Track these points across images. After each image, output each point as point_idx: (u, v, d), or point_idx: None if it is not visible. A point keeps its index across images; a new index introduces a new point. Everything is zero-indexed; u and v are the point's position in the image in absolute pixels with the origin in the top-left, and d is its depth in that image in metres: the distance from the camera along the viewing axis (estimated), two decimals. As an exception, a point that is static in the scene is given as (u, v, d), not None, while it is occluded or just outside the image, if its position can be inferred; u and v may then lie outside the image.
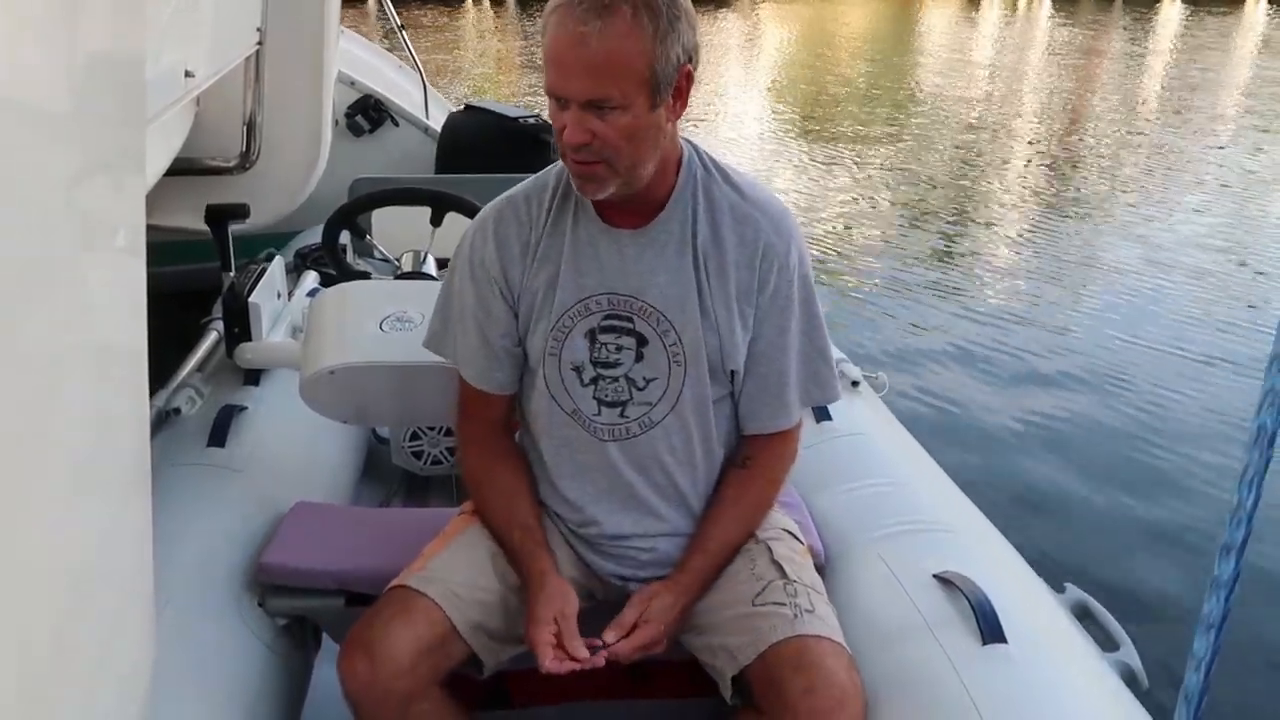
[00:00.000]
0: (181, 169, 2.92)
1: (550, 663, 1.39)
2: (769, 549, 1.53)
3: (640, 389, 1.50)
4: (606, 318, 1.48)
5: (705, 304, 1.47)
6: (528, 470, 1.59)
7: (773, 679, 1.37)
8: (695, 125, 9.86)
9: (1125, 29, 19.54)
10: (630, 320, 1.48)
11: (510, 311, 1.52)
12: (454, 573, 1.48)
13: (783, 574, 1.48)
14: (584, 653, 1.40)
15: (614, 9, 1.28)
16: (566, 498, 1.56)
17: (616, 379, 1.50)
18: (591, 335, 1.49)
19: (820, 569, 1.62)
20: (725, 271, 1.47)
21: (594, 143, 1.35)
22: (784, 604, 1.43)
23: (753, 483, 1.57)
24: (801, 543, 1.61)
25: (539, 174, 1.55)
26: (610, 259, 1.47)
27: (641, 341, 1.48)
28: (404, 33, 4.71)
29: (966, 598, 1.46)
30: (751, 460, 1.58)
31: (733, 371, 1.52)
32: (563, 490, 1.56)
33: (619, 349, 1.49)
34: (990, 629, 1.41)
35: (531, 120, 4.14)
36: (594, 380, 1.50)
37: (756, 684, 1.41)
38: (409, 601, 1.43)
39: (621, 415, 1.51)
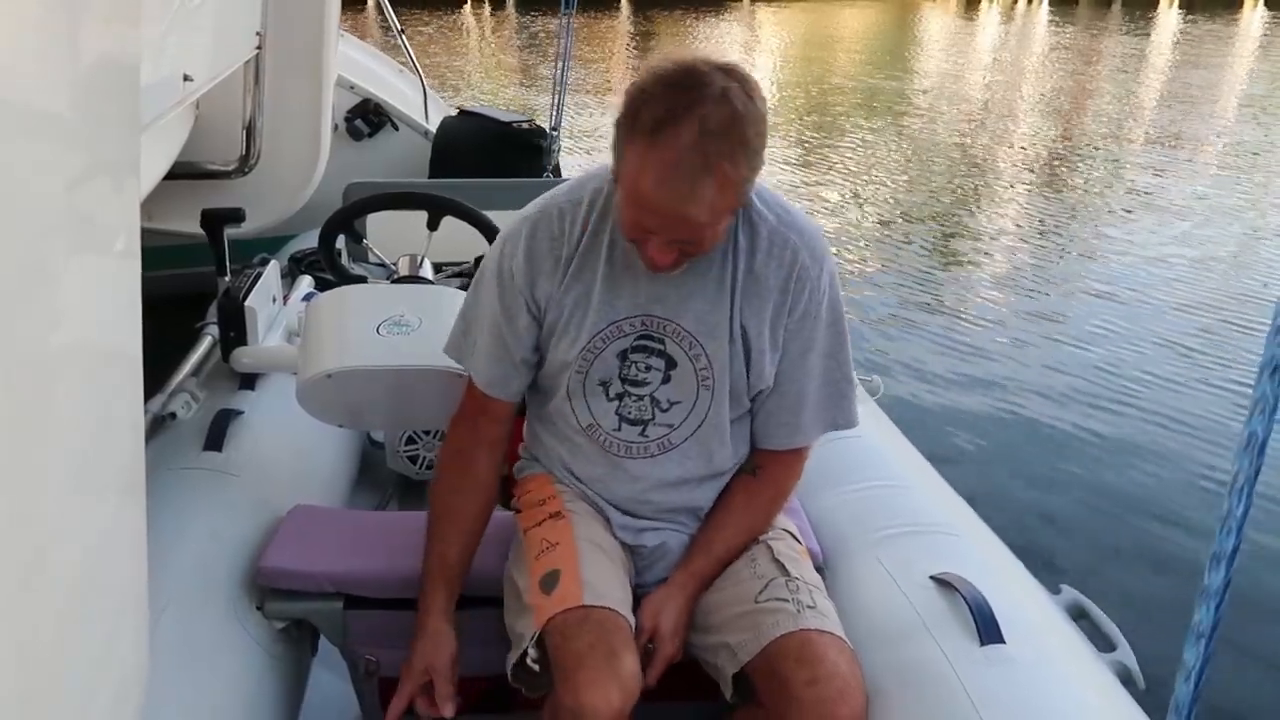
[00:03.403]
0: (181, 173, 2.92)
1: (401, 700, 1.48)
2: (770, 548, 1.55)
3: (664, 410, 1.51)
4: (639, 338, 1.48)
5: (735, 330, 1.47)
6: (488, 506, 1.60)
7: (775, 672, 1.38)
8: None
9: (1123, 48, 19.50)
10: (662, 342, 1.48)
11: (534, 324, 1.51)
12: (601, 578, 1.46)
13: (784, 572, 1.50)
14: (449, 712, 1.47)
15: (715, 166, 1.24)
16: (581, 489, 1.58)
17: (642, 398, 1.50)
18: (623, 355, 1.49)
19: (819, 571, 1.63)
20: (762, 296, 1.47)
21: (680, 257, 1.37)
22: (787, 600, 1.45)
23: (761, 492, 1.59)
24: (800, 544, 1.63)
25: (573, 184, 1.52)
26: (646, 282, 1.46)
27: (670, 364, 1.49)
28: (403, 36, 4.71)
29: (964, 598, 1.46)
30: (762, 470, 1.59)
31: (760, 392, 1.53)
32: (579, 482, 1.58)
33: (648, 368, 1.49)
34: (988, 629, 1.41)
35: (525, 125, 4.14)
36: (619, 396, 1.50)
37: (758, 678, 1.42)
38: (615, 622, 1.40)
39: (642, 434, 1.52)
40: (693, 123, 1.23)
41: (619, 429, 1.52)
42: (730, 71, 1.27)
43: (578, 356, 1.49)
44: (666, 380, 1.50)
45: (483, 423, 1.59)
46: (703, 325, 1.47)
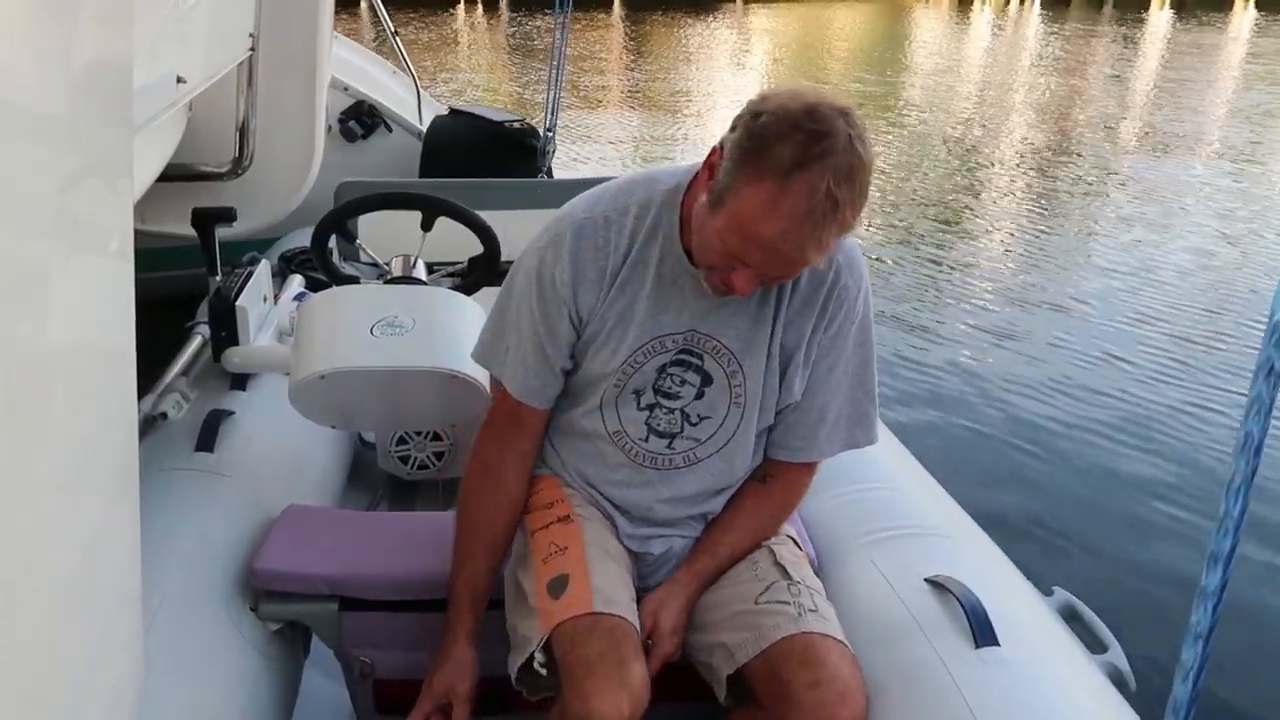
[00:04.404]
0: (174, 174, 2.91)
1: (416, 717, 1.49)
2: (772, 551, 1.56)
3: (693, 424, 1.51)
4: (680, 353, 1.48)
5: (774, 347, 1.47)
6: (516, 520, 1.58)
7: (776, 674, 1.39)
8: (682, 134, 9.87)
9: (1115, 50, 19.56)
10: (701, 359, 1.48)
11: (574, 333, 1.48)
12: (610, 585, 1.45)
13: (786, 575, 1.51)
14: None
15: (840, 215, 1.23)
16: (591, 494, 1.58)
17: (672, 410, 1.50)
18: (661, 368, 1.49)
19: (815, 574, 1.63)
20: (803, 313, 1.47)
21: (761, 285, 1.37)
22: (788, 603, 1.45)
23: (769, 500, 1.59)
24: (800, 549, 1.63)
25: (615, 191, 1.49)
26: (693, 299, 1.45)
27: (706, 381, 1.49)
28: (397, 38, 4.71)
29: (959, 601, 1.47)
30: (772, 480, 1.59)
31: (786, 405, 1.53)
32: (589, 487, 1.58)
33: (683, 383, 1.49)
34: (983, 632, 1.42)
35: (516, 124, 4.13)
36: (650, 406, 1.50)
37: (757, 680, 1.42)
38: (624, 630, 1.39)
39: (669, 446, 1.52)
40: (825, 171, 1.21)
41: (646, 439, 1.51)
42: (849, 117, 1.25)
43: (618, 369, 1.47)
44: (700, 396, 1.49)
45: (513, 434, 1.55)
46: (743, 342, 1.47)
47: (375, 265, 2.39)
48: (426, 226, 2.22)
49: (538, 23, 19.49)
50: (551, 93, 4.11)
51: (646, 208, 1.45)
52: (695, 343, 1.47)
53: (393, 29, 4.73)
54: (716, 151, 1.32)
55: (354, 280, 2.35)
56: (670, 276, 1.44)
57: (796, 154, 1.21)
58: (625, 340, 1.46)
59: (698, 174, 1.39)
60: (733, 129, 1.29)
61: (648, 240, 1.45)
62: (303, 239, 2.90)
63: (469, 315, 1.91)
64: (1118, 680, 1.49)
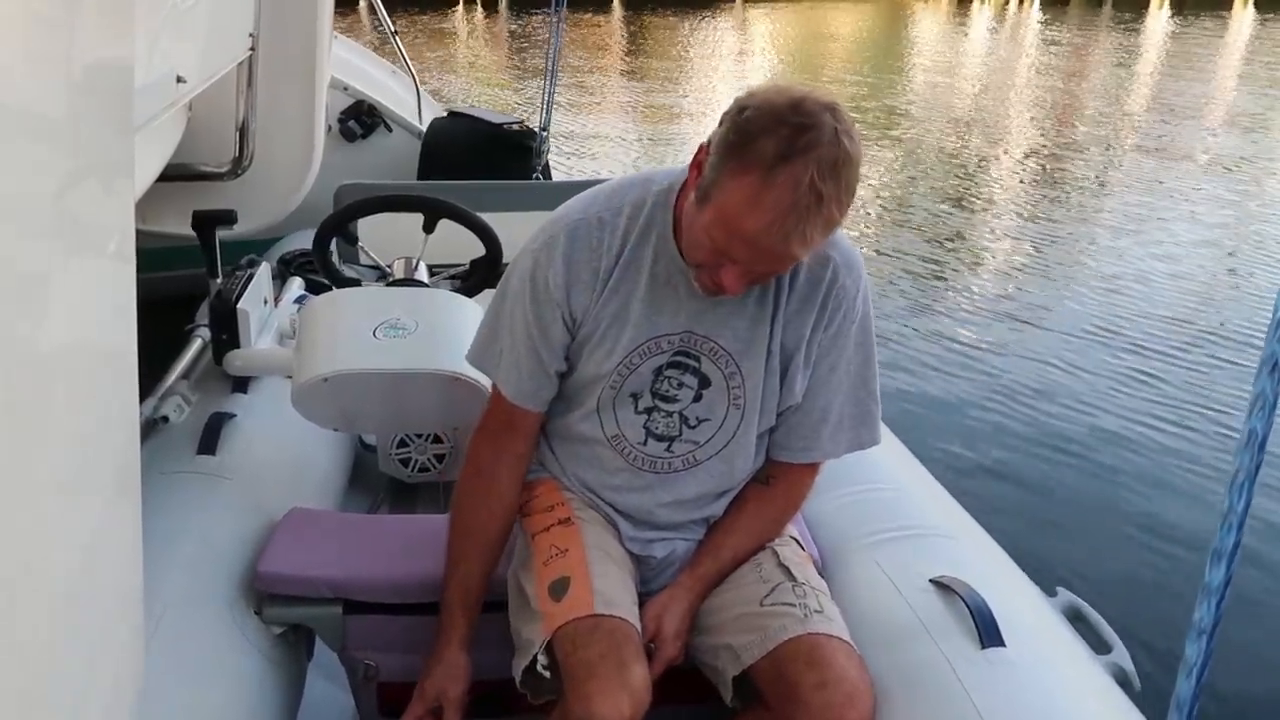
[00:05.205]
0: (174, 175, 2.91)
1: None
2: (775, 553, 1.55)
3: (691, 427, 1.50)
4: (676, 354, 1.47)
5: (773, 347, 1.47)
6: (511, 524, 1.58)
7: (783, 675, 1.38)
8: (681, 133, 9.86)
9: (1113, 39, 19.55)
10: (698, 360, 1.47)
11: (567, 334, 1.48)
12: (611, 586, 1.45)
13: (791, 577, 1.50)
14: None
15: (825, 209, 1.22)
16: (591, 499, 1.57)
17: (671, 414, 1.50)
18: (658, 370, 1.48)
19: (819, 575, 1.62)
20: (801, 313, 1.47)
21: (750, 284, 1.37)
22: (793, 604, 1.45)
23: (772, 502, 1.59)
24: (804, 550, 1.63)
25: (609, 192, 1.48)
26: (689, 299, 1.44)
27: (704, 383, 1.48)
28: (397, 38, 4.70)
29: (964, 602, 1.46)
30: (774, 481, 1.59)
31: (788, 407, 1.53)
32: (589, 491, 1.57)
33: (680, 385, 1.48)
34: (989, 633, 1.41)
35: (515, 126, 4.13)
36: (648, 410, 1.49)
37: (764, 682, 1.42)
38: (625, 632, 1.39)
39: (668, 450, 1.51)
40: (809, 164, 1.20)
41: (645, 443, 1.51)
42: (835, 111, 1.24)
43: (613, 370, 1.47)
44: (698, 399, 1.49)
45: (507, 437, 1.55)
46: (741, 343, 1.46)
47: (376, 267, 2.38)
48: (429, 229, 2.22)
49: (537, 22, 19.49)
50: (546, 92, 4.10)
51: (640, 208, 1.45)
52: (692, 344, 1.46)
53: (393, 29, 4.72)
54: (704, 149, 1.31)
55: (355, 283, 2.35)
56: (664, 277, 1.44)
57: (781, 147, 1.21)
58: (620, 341, 1.46)
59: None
60: (720, 125, 1.28)
61: (640, 240, 1.44)
62: (301, 241, 2.89)
63: (471, 317, 1.91)
64: (1123, 681, 1.49)
